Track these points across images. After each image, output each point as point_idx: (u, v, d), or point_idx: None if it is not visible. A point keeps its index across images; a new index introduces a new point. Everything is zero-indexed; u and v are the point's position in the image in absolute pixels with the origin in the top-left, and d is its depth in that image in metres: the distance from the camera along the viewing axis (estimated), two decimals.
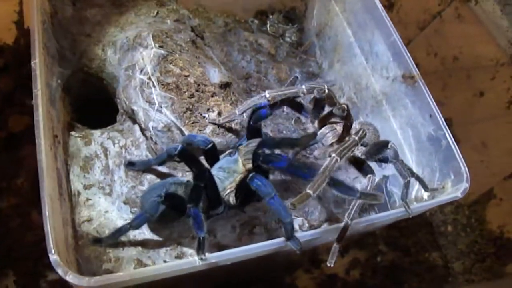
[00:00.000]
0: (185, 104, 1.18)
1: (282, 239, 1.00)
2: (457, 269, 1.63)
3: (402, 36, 1.80)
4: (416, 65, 1.73)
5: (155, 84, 1.19)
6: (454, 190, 1.16)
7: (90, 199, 1.17)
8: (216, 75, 1.32)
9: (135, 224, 1.04)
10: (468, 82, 1.69)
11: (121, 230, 1.06)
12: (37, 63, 1.06)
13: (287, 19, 1.68)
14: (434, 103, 1.23)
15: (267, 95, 1.02)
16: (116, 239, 1.08)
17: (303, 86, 1.04)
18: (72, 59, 1.32)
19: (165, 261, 1.13)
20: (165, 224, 1.16)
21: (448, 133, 1.20)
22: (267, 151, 1.01)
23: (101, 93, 1.41)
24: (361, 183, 1.09)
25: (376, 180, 1.37)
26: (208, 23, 1.56)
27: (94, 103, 1.45)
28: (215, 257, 0.95)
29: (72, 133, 1.28)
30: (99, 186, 1.19)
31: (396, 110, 1.36)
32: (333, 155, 0.90)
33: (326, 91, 1.05)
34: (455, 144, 1.19)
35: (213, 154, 1.15)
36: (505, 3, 1.59)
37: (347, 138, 1.06)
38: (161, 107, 1.18)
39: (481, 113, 1.68)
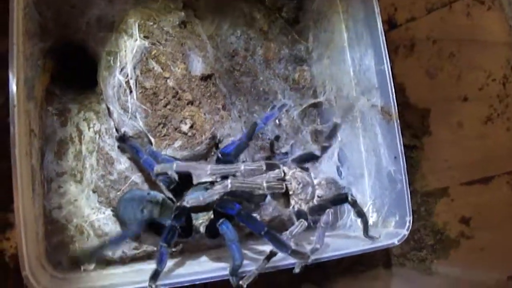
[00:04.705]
0: (158, 118, 1.21)
1: (226, 272, 1.13)
2: (395, 251, 1.79)
3: (407, 11, 1.70)
4: (413, 44, 1.69)
5: (133, 89, 1.20)
6: (394, 234, 1.25)
7: (62, 187, 1.25)
8: (199, 66, 1.32)
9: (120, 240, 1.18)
10: (457, 82, 1.67)
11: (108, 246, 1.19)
12: (16, 80, 1.00)
13: None
14: (403, 147, 1.25)
15: (229, 185, 1.04)
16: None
17: (265, 184, 1.08)
18: (54, 30, 1.28)
19: (123, 252, 1.27)
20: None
21: (405, 180, 1.26)
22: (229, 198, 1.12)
23: (83, 55, 1.39)
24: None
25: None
26: None
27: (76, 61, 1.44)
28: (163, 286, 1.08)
29: (49, 108, 1.30)
30: (71, 173, 1.27)
31: (367, 133, 1.37)
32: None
33: (285, 187, 1.14)
34: (409, 192, 1.26)
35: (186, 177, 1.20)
36: None
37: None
38: (135, 117, 1.20)
39: (460, 118, 1.68)
